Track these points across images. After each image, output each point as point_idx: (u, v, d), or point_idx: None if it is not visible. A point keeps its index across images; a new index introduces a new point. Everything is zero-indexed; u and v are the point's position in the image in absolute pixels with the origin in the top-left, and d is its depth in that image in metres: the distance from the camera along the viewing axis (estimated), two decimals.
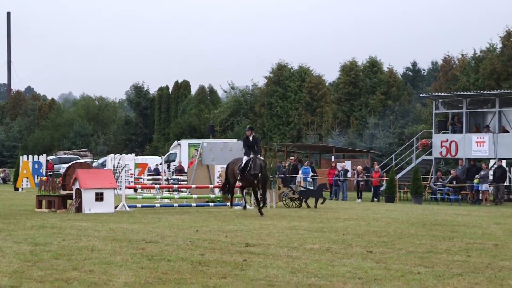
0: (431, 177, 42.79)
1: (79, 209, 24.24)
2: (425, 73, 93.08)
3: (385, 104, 73.83)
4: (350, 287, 10.15)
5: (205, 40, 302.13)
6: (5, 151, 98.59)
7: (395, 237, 16.88)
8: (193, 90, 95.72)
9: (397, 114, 71.97)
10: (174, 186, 35.75)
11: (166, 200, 31.95)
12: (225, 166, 35.53)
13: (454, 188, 39.92)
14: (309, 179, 41.28)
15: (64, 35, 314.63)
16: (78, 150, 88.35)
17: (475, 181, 39.10)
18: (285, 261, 12.48)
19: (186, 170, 46.12)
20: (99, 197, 24.49)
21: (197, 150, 34.33)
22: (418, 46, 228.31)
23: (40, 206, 25.91)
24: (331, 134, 69.97)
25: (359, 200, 40.39)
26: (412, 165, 44.57)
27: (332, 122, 74.78)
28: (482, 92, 46.10)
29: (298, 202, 30.43)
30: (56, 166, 66.23)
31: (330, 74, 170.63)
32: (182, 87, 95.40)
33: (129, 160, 40.25)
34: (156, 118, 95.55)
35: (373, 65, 78.16)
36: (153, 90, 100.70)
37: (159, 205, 28.43)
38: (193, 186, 30.07)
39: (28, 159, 47.47)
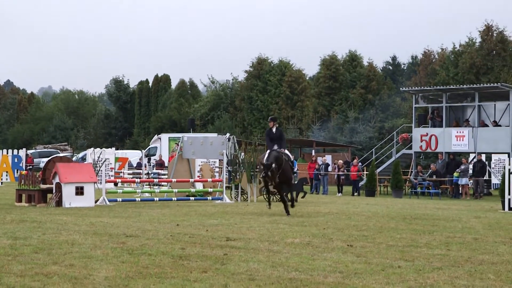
0: (411, 171, 42.95)
1: (59, 203, 24.14)
2: (405, 67, 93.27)
3: (365, 98, 74.03)
4: (330, 281, 10.16)
5: (185, 32, 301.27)
6: None
7: (375, 231, 16.92)
8: (173, 84, 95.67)
9: (377, 108, 72.17)
10: (155, 180, 35.68)
11: (147, 194, 31.90)
12: (205, 160, 35.62)
13: (434, 182, 40.08)
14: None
15: (44, 28, 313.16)
16: (58, 144, 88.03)
17: (455, 174, 39.27)
18: (266, 255, 12.48)
19: (166, 164, 46.05)
20: (79, 191, 24.40)
21: (178, 144, 34.25)
22: (398, 40, 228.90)
23: (20, 200, 25.78)
24: (312, 128, 70.06)
25: (340, 194, 40.46)
26: (392, 159, 44.74)
27: (313, 116, 74.90)
28: (461, 86, 46.30)
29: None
30: (36, 160, 65.99)
31: (310, 68, 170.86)
32: (162, 81, 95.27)
33: (110, 154, 40.16)
34: (136, 112, 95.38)
35: (353, 59, 78.42)
36: (133, 84, 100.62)
37: (139, 199, 28.36)
38: (174, 180, 30.02)
39: (7, 153, 47.24)
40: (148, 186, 35.71)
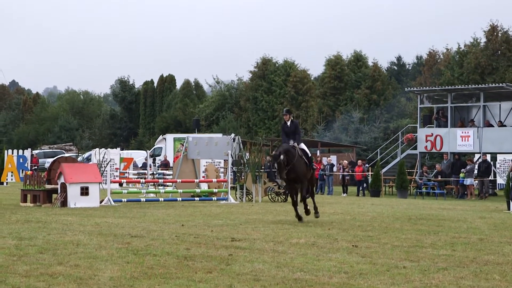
0: (416, 172, 42.90)
1: (64, 203, 24.17)
2: (410, 68, 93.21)
3: (370, 99, 74.00)
4: (335, 281, 10.16)
5: (190, 32, 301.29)
6: None
7: (380, 231, 16.91)
8: (178, 84, 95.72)
9: (382, 108, 72.15)
10: (160, 180, 35.69)
11: (152, 195, 31.92)
12: (210, 160, 35.66)
13: (439, 182, 40.04)
14: None
15: (49, 29, 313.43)
16: (63, 144, 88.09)
17: (461, 175, 39.21)
18: (271, 255, 12.48)
19: (171, 164, 46.08)
20: (84, 191, 24.43)
21: (183, 145, 34.29)
22: (402, 41, 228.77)
23: (25, 200, 25.83)
24: (316, 129, 70.05)
25: (345, 195, 40.44)
26: (397, 159, 44.70)
27: (318, 116, 74.89)
28: (466, 86, 46.25)
29: (284, 196, 30.44)
30: (41, 160, 66.03)
31: (315, 68, 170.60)
32: (167, 81, 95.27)
33: (114, 154, 40.19)
34: (141, 112, 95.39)
35: (358, 59, 78.43)
36: (138, 84, 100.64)
37: (144, 199, 28.38)
38: (179, 180, 30.03)
39: (13, 154, 47.28)
40: (153, 187, 35.73)
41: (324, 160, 44.35)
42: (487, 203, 32.76)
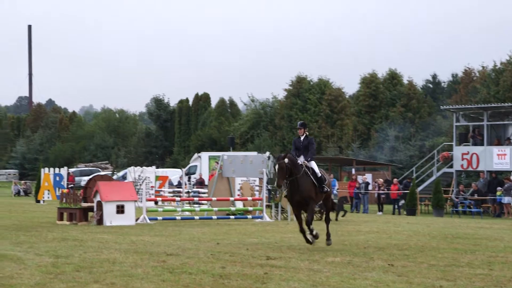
0: (452, 190, 42.61)
1: (100, 221, 24.31)
2: (445, 86, 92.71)
3: (405, 117, 73.72)
4: None
5: (224, 52, 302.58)
6: (26, 164, 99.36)
7: (416, 250, 16.81)
8: (213, 102, 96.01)
9: (418, 126, 71.83)
10: (195, 198, 35.76)
11: (187, 213, 31.98)
12: (245, 178, 35.65)
13: (476, 201, 39.75)
14: (335, 192, 41.10)
15: (84, 48, 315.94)
16: (99, 162, 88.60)
17: (498, 193, 38.89)
18: (306, 274, 12.45)
19: (206, 182, 46.13)
20: (120, 209, 24.55)
21: (218, 163, 34.34)
22: (438, 59, 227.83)
23: (61, 218, 26.01)
24: (351, 147, 69.91)
25: (380, 213, 40.28)
26: (433, 177, 44.45)
27: (352, 134, 74.74)
28: (503, 104, 45.93)
29: (319, 215, 30.34)
30: (77, 178, 66.45)
31: (350, 86, 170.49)
32: (202, 99, 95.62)
33: (150, 172, 40.34)
34: (176, 130, 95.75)
35: (393, 77, 78.18)
36: (173, 102, 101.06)
37: (180, 217, 28.44)
38: (214, 198, 30.08)
39: (49, 172, 47.62)
40: (188, 205, 35.79)
41: (360, 179, 44.22)
42: None
